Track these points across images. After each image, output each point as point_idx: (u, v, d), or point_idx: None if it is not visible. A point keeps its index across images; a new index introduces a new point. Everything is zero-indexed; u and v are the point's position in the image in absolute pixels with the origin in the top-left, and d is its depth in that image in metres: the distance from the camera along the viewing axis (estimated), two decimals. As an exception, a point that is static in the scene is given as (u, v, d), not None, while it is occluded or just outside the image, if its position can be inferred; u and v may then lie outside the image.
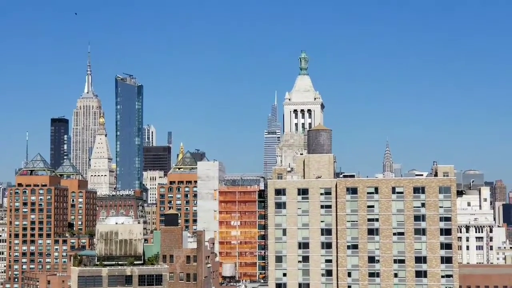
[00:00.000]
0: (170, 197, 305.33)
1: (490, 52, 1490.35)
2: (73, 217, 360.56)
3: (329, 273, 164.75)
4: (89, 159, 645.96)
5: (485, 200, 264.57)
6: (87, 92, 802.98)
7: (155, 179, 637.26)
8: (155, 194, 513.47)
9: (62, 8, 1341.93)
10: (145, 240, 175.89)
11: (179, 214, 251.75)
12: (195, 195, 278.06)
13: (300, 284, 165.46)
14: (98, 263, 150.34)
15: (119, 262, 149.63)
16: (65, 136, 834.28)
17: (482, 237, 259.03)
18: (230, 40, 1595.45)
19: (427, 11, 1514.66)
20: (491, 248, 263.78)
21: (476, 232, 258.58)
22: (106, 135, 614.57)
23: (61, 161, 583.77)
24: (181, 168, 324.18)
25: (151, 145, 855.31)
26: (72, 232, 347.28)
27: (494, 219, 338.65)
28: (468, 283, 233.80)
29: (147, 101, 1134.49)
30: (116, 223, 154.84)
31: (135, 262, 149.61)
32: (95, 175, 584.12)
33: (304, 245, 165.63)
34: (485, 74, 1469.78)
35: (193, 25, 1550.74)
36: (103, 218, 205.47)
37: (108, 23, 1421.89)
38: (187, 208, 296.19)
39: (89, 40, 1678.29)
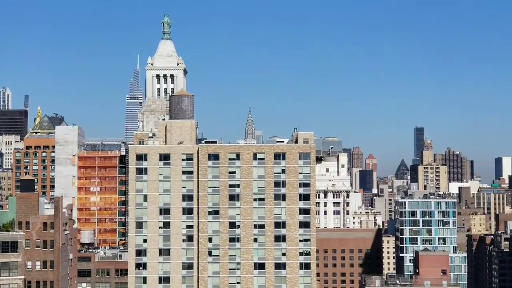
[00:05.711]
0: (27, 162, 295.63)
1: (346, 18, 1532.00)
2: None
3: (190, 238, 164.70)
4: None
5: (343, 166, 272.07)
6: None
7: (11, 144, 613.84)
8: (10, 159, 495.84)
9: None
10: (0, 206, 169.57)
11: (35, 179, 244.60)
12: (53, 161, 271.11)
13: (160, 250, 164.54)
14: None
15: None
16: None
17: (339, 202, 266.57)
18: (92, 2, 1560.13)
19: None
20: (348, 212, 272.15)
21: (333, 197, 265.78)
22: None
23: None
24: (38, 132, 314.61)
25: (6, 109, 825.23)
26: None
27: (351, 185, 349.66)
28: (325, 246, 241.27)
29: (1, 62, 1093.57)
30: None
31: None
32: None
33: (165, 211, 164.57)
34: (340, 39, 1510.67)
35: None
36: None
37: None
38: (44, 174, 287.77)
39: None
